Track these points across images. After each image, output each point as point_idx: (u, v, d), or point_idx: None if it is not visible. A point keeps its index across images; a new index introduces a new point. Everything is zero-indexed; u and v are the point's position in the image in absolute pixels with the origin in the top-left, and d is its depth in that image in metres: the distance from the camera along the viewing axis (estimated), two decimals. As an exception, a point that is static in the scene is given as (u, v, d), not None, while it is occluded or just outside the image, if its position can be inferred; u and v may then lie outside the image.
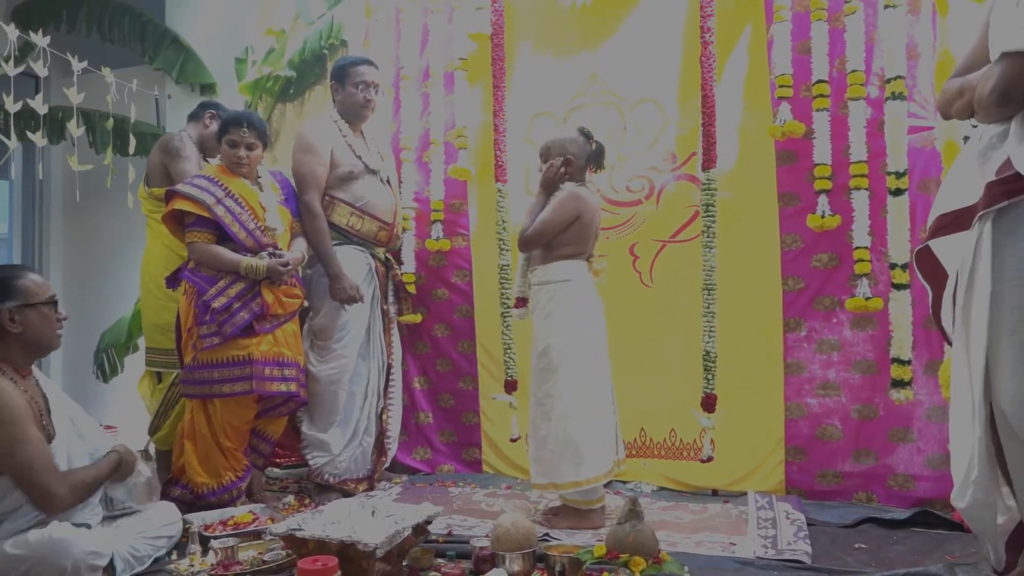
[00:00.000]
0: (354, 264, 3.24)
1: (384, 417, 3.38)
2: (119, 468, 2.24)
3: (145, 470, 2.38)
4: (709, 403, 3.08)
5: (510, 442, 3.41)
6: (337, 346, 3.21)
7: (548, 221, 2.76)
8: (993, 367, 1.70)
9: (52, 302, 2.18)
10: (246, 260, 2.88)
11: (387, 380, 3.42)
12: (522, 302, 3.01)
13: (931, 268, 1.95)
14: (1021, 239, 1.68)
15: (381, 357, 3.38)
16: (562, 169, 2.80)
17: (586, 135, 2.88)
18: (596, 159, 2.89)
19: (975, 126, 1.87)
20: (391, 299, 3.48)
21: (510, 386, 3.45)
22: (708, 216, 3.10)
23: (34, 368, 2.23)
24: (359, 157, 3.26)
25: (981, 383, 1.72)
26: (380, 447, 3.37)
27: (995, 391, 1.70)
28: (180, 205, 2.89)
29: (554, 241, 2.78)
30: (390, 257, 3.49)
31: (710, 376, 3.08)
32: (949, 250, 1.87)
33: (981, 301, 1.72)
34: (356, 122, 3.32)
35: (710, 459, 3.05)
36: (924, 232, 2.09)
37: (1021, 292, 1.67)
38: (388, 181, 3.40)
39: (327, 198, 3.22)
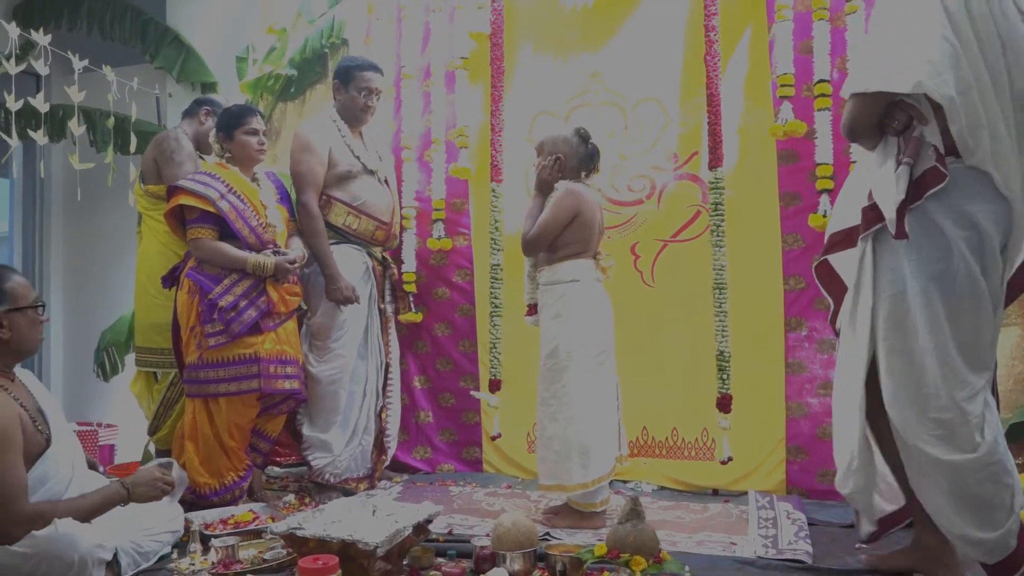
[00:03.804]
0: (351, 263, 3.23)
1: (383, 416, 3.38)
2: (119, 504, 2.13)
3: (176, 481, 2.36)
4: (725, 403, 3.07)
5: (491, 440, 3.48)
6: (335, 345, 3.20)
7: (547, 222, 2.73)
8: (880, 370, 1.96)
9: (39, 305, 2.13)
10: (253, 257, 2.87)
11: (385, 379, 3.41)
12: (534, 309, 2.94)
13: (830, 280, 2.19)
14: (892, 256, 1.92)
15: (379, 356, 3.38)
16: (555, 168, 2.78)
17: (583, 136, 2.83)
18: (589, 162, 2.84)
19: None
20: (388, 298, 3.48)
21: (494, 385, 3.47)
22: (716, 215, 3.11)
23: (20, 369, 2.17)
24: (357, 157, 3.25)
25: (862, 385, 1.99)
26: (380, 446, 3.37)
27: (882, 390, 1.95)
28: (185, 200, 2.87)
29: (557, 241, 2.74)
30: (387, 256, 3.48)
31: (725, 376, 3.07)
32: (846, 264, 2.09)
33: (864, 311, 1.98)
34: (355, 124, 3.31)
35: (730, 459, 3.05)
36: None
37: (891, 303, 1.93)
38: (386, 181, 3.39)
39: (324, 198, 3.21)
